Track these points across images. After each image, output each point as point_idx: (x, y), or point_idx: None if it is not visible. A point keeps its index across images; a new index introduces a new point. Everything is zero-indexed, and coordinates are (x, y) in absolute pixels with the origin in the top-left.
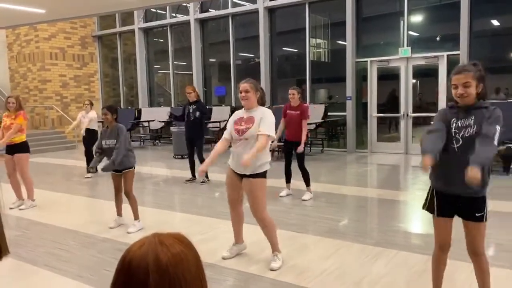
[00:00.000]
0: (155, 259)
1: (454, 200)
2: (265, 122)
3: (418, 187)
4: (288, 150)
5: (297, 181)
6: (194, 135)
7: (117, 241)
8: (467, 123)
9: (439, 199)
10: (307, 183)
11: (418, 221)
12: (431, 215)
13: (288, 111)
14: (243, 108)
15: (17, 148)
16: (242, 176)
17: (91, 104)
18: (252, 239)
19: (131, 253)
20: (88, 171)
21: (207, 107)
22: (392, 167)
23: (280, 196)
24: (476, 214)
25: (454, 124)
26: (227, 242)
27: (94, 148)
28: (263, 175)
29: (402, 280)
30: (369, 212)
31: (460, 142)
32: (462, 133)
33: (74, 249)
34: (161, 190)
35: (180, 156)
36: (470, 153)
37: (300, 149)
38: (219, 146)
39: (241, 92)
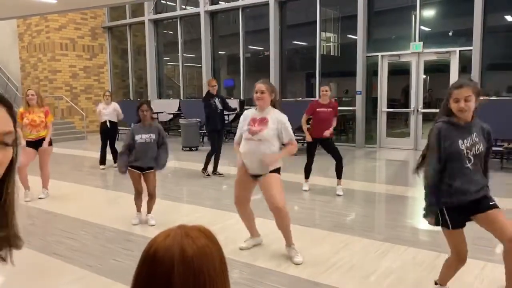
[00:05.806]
0: (180, 251)
1: (470, 207)
2: (287, 130)
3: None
4: (313, 149)
5: (299, 174)
6: (223, 126)
7: (126, 232)
8: (473, 141)
9: (453, 213)
10: (339, 176)
11: None
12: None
13: (318, 109)
14: (255, 108)
15: (43, 142)
16: (256, 176)
17: (111, 95)
18: (263, 232)
19: (156, 244)
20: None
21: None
22: (401, 162)
23: (304, 190)
24: (490, 203)
25: (463, 145)
26: (236, 235)
27: (122, 147)
28: (278, 171)
29: (411, 276)
30: (377, 208)
31: (472, 161)
32: (472, 151)
33: (83, 238)
34: (169, 181)
35: (188, 148)
36: (479, 169)
37: (329, 132)
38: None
39: (256, 92)
